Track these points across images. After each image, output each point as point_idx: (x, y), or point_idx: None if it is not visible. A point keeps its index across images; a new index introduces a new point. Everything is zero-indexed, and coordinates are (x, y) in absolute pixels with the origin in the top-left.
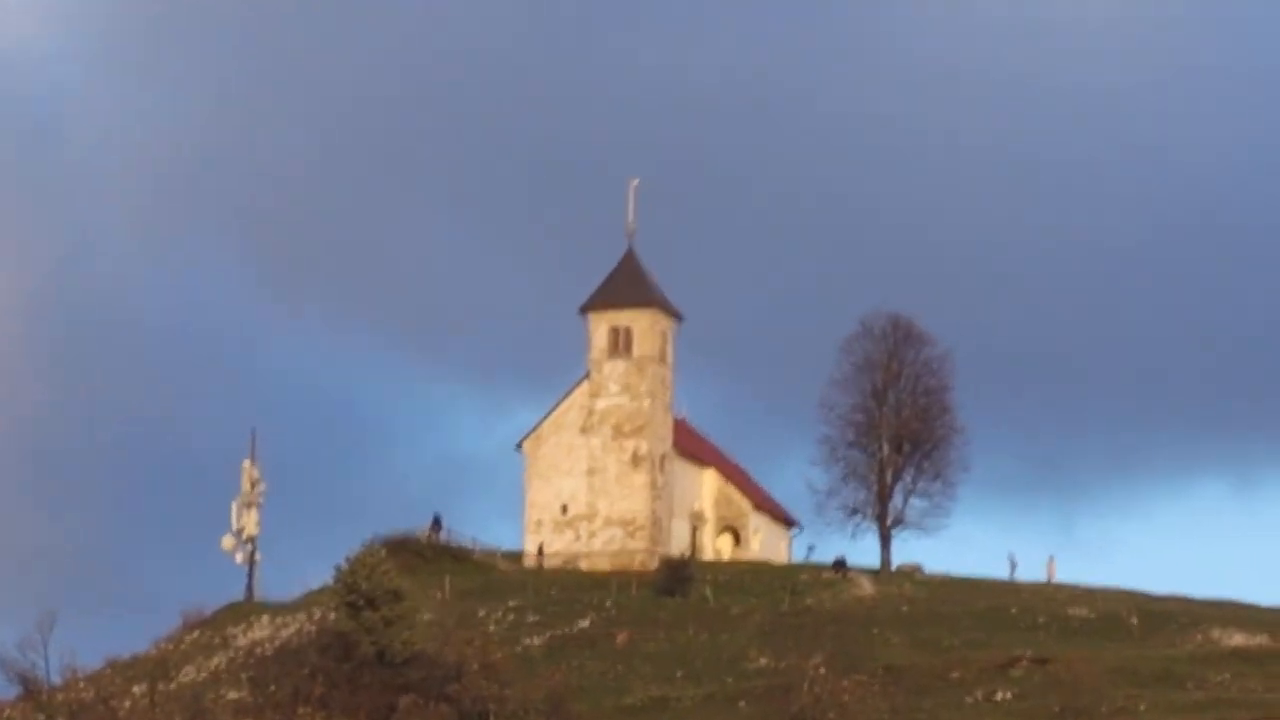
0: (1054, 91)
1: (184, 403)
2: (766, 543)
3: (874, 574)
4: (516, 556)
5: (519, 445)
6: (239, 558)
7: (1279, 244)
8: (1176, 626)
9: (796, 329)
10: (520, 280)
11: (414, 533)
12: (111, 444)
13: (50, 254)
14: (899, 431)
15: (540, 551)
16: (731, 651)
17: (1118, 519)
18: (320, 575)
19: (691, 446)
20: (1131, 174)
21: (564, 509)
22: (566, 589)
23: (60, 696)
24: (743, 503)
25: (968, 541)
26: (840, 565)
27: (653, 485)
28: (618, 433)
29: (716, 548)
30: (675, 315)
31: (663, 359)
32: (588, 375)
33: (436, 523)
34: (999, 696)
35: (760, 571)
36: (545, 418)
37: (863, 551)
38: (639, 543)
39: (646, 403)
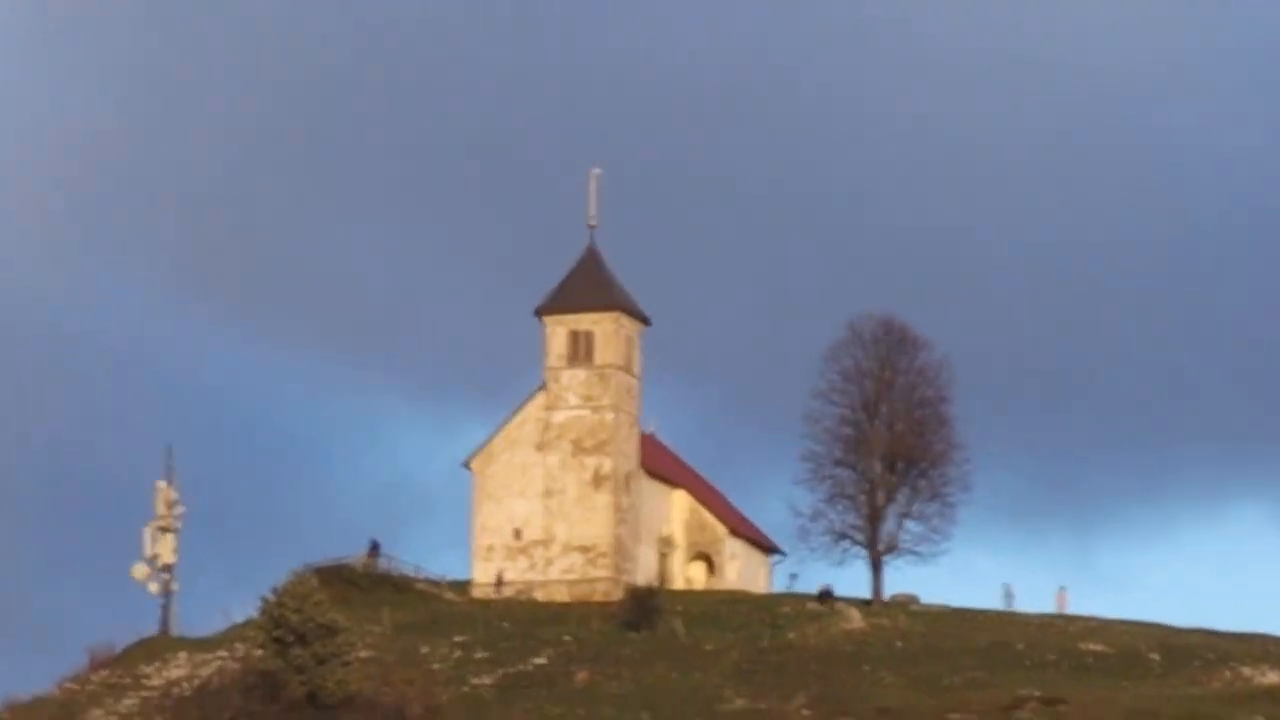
0: (1064, 73)
1: (91, 418)
2: (744, 571)
3: (864, 605)
4: (464, 586)
5: (467, 463)
6: (153, 588)
7: None
8: (1202, 663)
9: (777, 334)
10: (468, 281)
11: (349, 560)
12: (10, 463)
13: None
14: (892, 447)
15: (499, 581)
16: (705, 692)
17: (1138, 545)
18: (244, 607)
19: (660, 464)
20: (1154, 161)
21: (517, 534)
22: (520, 622)
23: None
24: (717, 527)
25: (968, 570)
26: (826, 596)
27: (617, 507)
28: (578, 449)
29: (688, 577)
30: (642, 319)
31: (628, 367)
32: (544, 386)
33: (374, 549)
34: None
35: (737, 603)
36: (496, 433)
37: (851, 581)
38: (601, 571)
39: (610, 416)
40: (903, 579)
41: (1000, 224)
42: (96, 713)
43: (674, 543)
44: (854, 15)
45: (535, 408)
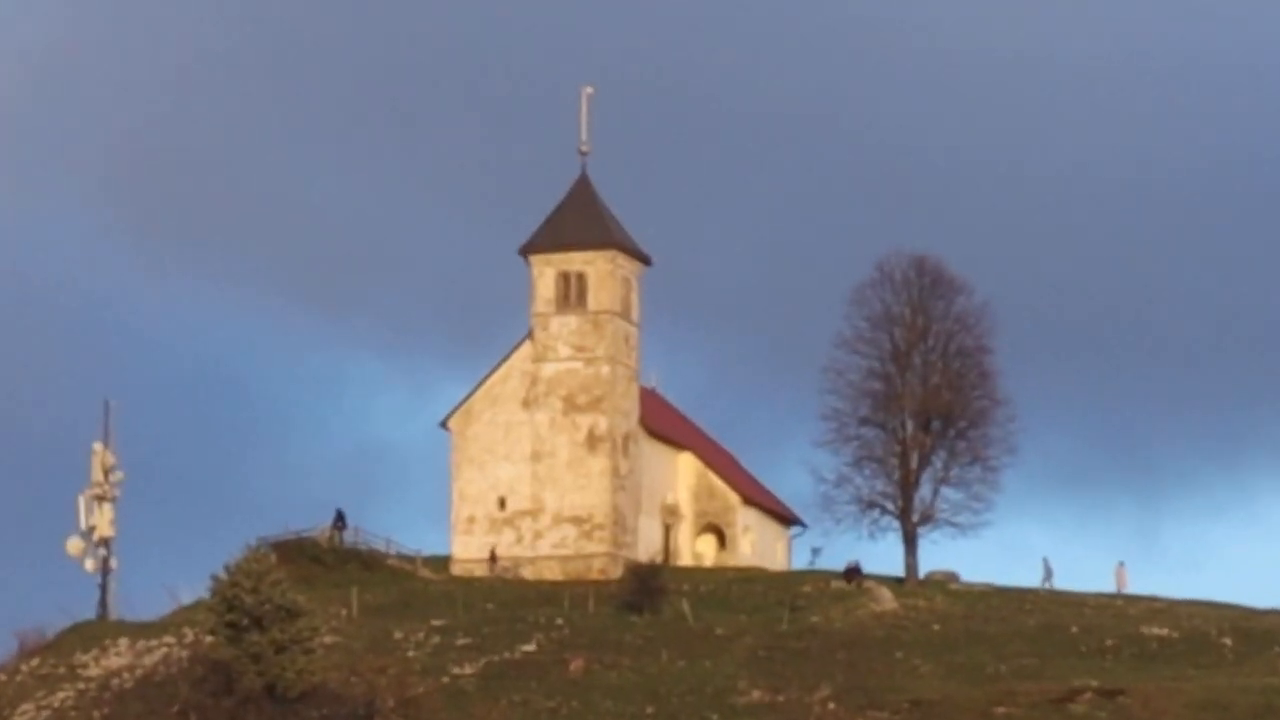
0: None
1: (21, 373)
2: (759, 545)
3: (896, 584)
4: (443, 563)
5: (444, 423)
6: (89, 565)
7: None
8: None
9: (796, 275)
10: (444, 217)
11: (312, 533)
12: None
13: None
14: (926, 404)
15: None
16: (716, 683)
17: (1209, 517)
18: (193, 587)
19: (663, 424)
20: (1225, 81)
21: (502, 503)
22: (506, 604)
23: None
24: (729, 494)
25: (1014, 544)
26: (853, 573)
27: (614, 472)
28: (569, 407)
29: (696, 551)
30: (641, 258)
31: (626, 313)
32: (530, 334)
33: (340, 520)
34: None
35: (752, 581)
36: (477, 389)
37: (882, 556)
38: (597, 545)
39: (605, 369)
40: (940, 554)
41: (1052, 151)
42: (26, 707)
43: (680, 513)
44: None
45: (521, 360)
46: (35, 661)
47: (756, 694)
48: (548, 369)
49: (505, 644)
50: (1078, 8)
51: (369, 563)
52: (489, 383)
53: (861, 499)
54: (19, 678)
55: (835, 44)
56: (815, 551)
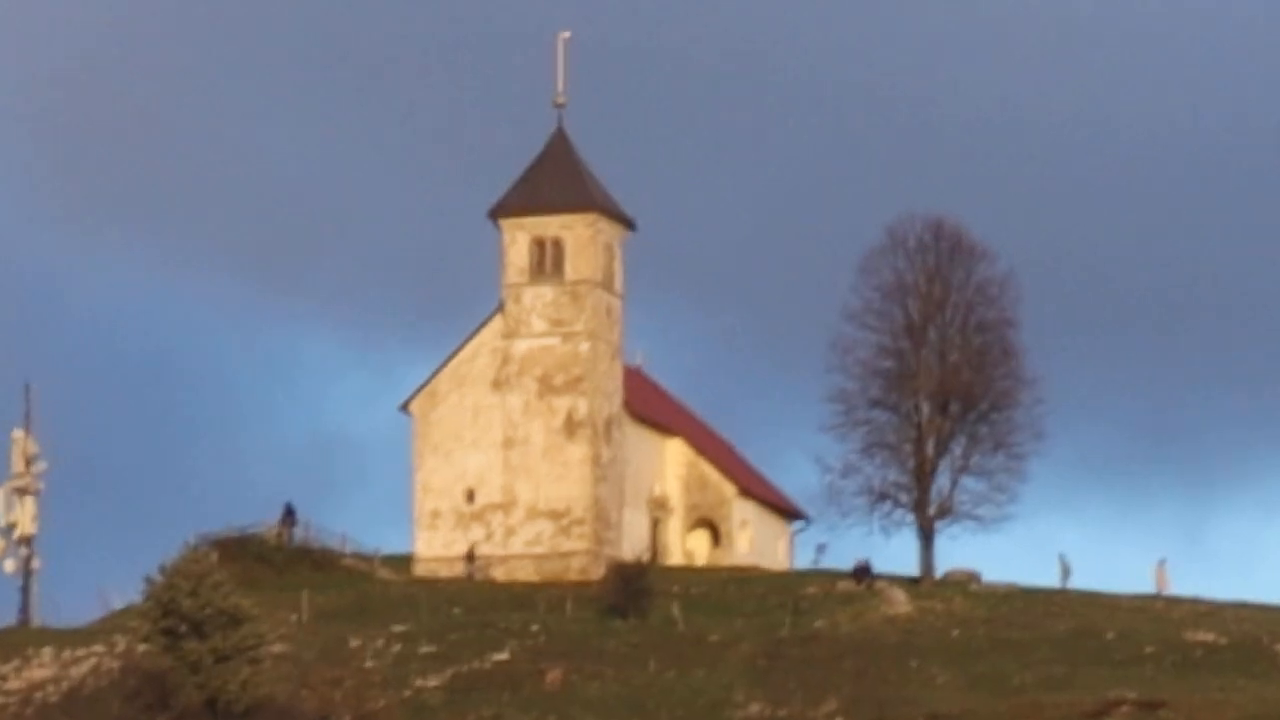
0: None
1: None
2: (758, 542)
3: (911, 585)
4: (404, 562)
5: (405, 407)
6: (8, 566)
7: None
8: None
9: (798, 241)
10: (405, 177)
11: (258, 530)
12: None
13: None
14: (944, 384)
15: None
16: (709, 695)
17: (1262, 512)
18: (125, 591)
19: (650, 407)
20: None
21: (470, 495)
22: (475, 608)
23: None
24: (723, 485)
25: (1042, 540)
26: (863, 573)
27: (595, 461)
28: (545, 388)
29: (687, 549)
30: (625, 222)
31: (608, 284)
32: (501, 307)
33: (289, 516)
34: None
35: (749, 582)
36: (441, 368)
37: (895, 554)
38: (577, 542)
39: (585, 345)
40: (959, 551)
41: (1086, 106)
42: None
43: (669, 506)
44: None
45: (490, 335)
46: None
47: (755, 707)
48: (520, 346)
49: (474, 653)
50: None
51: (322, 563)
52: (455, 361)
53: (872, 490)
54: None
55: None
56: (820, 549)
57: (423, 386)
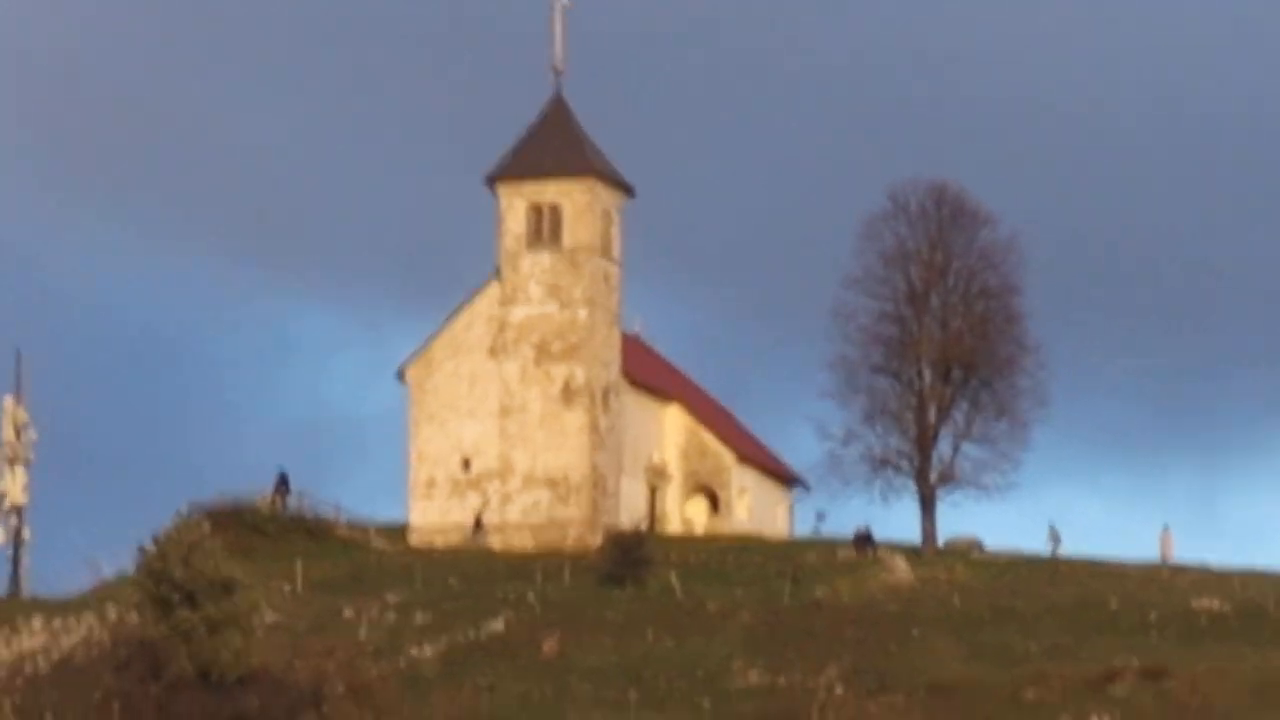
0: None
1: None
2: (757, 509)
3: (913, 553)
4: (398, 532)
5: (400, 374)
6: None
7: None
8: None
9: (797, 206)
10: (398, 142)
11: (251, 499)
12: None
13: None
14: (946, 350)
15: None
16: (709, 664)
17: (1268, 478)
18: (116, 560)
19: (649, 374)
20: None
21: (466, 464)
22: (470, 577)
23: None
24: (722, 453)
25: (1045, 507)
26: (864, 541)
27: (593, 429)
28: (542, 355)
29: (685, 517)
30: (623, 188)
31: (606, 251)
32: (497, 274)
33: (283, 483)
34: None
35: (749, 550)
36: (437, 335)
37: (896, 522)
38: (574, 510)
39: (583, 312)
40: (962, 519)
41: (1091, 68)
42: None
43: (667, 474)
44: None
45: (487, 303)
46: None
47: (754, 676)
48: (517, 313)
49: (469, 623)
50: None
51: (315, 532)
52: (451, 329)
53: (873, 457)
54: None
55: None
56: (820, 516)
57: (418, 354)
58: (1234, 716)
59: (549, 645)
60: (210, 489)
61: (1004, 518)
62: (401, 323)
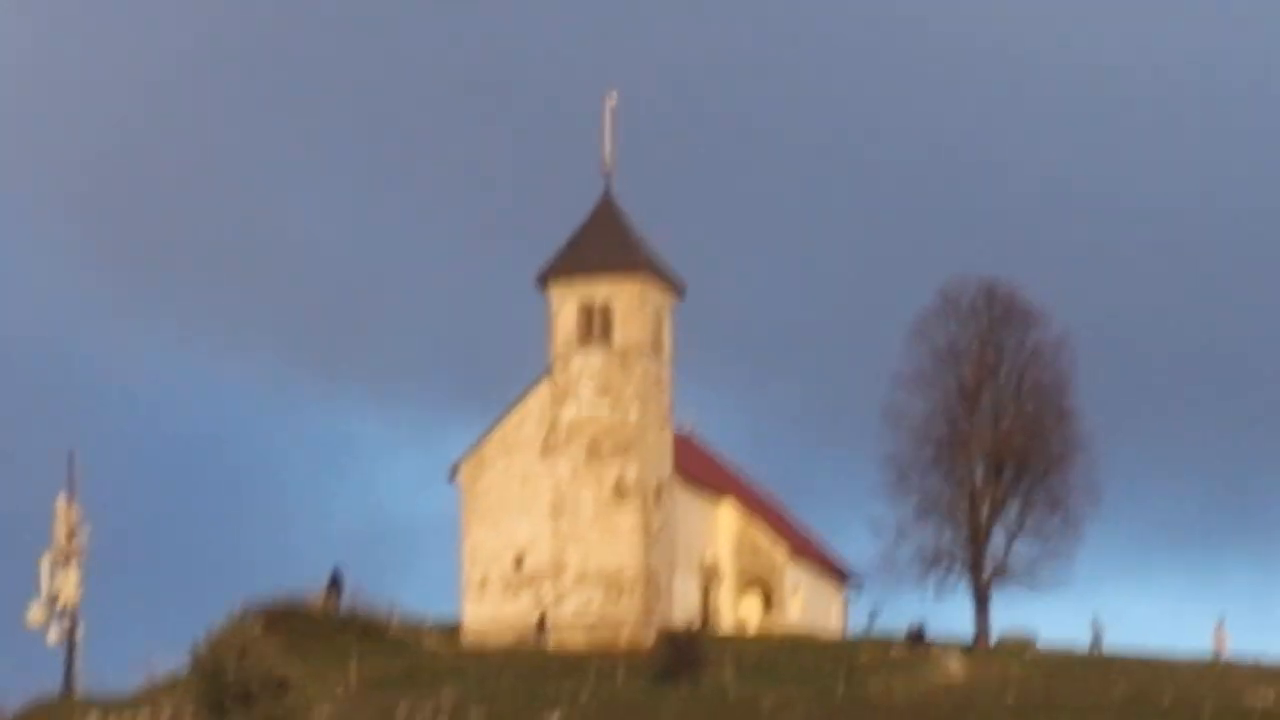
0: None
1: None
2: (811, 606)
3: (966, 650)
4: (452, 631)
5: (452, 474)
6: (52, 635)
7: None
8: None
9: (849, 305)
10: (449, 244)
11: (305, 598)
12: None
13: None
14: (998, 448)
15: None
16: None
17: None
18: (170, 659)
19: (701, 472)
20: None
21: (518, 562)
22: (524, 676)
23: None
24: (775, 550)
25: (1098, 602)
26: (918, 637)
27: (646, 528)
28: (594, 454)
29: (739, 614)
30: (675, 287)
31: (657, 349)
32: (549, 373)
33: (336, 582)
34: None
35: (802, 648)
36: (489, 434)
37: (950, 618)
38: (627, 608)
39: (634, 411)
40: (1016, 615)
41: (1142, 168)
42: None
43: (720, 572)
44: None
45: (538, 402)
46: None
47: None
48: (569, 412)
49: None
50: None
51: (369, 631)
52: (502, 428)
53: (926, 554)
54: None
55: (889, 45)
56: (874, 614)
57: (470, 453)
58: None
59: None
60: (260, 584)
61: (1058, 613)
62: (455, 423)
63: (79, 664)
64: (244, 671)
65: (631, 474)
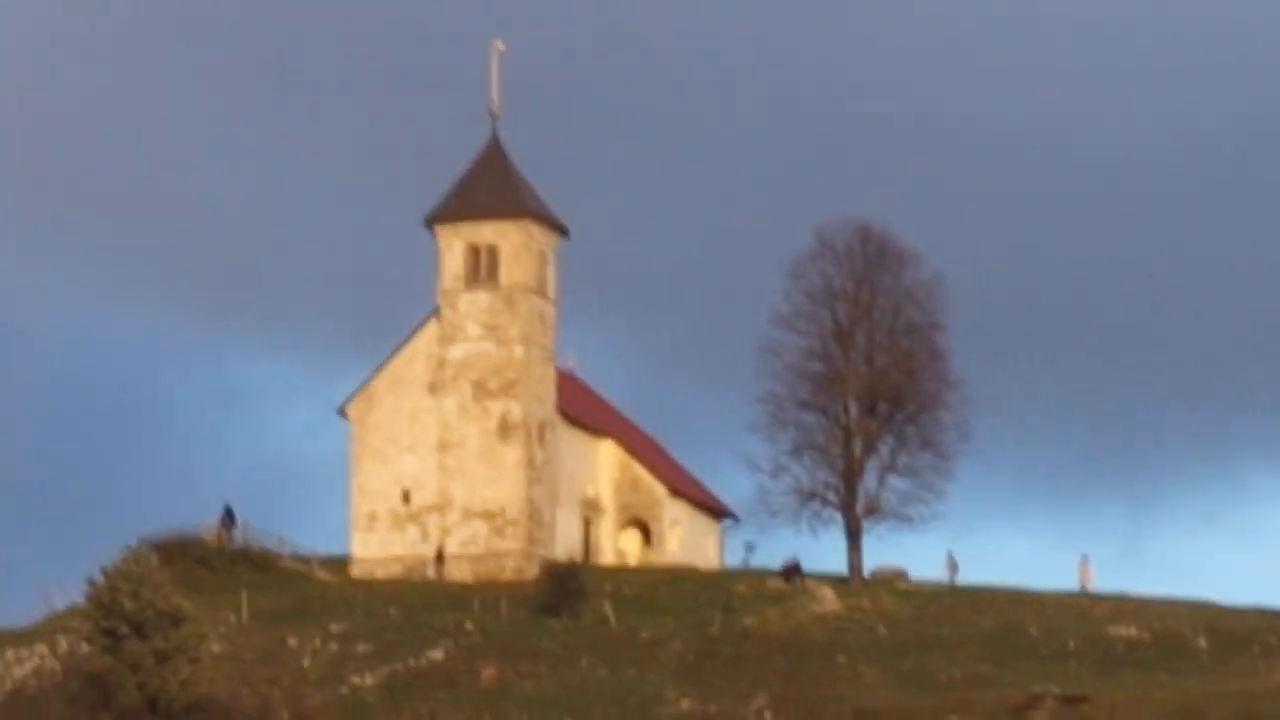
0: None
1: None
2: (689, 541)
3: (839, 583)
4: (341, 564)
5: (341, 410)
6: None
7: None
8: (1261, 650)
9: (726, 247)
10: (339, 187)
11: (198, 532)
12: None
13: None
14: (872, 386)
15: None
16: (641, 692)
17: (1187, 511)
18: (67, 592)
19: (583, 410)
20: (1220, 63)
21: (406, 497)
22: (410, 608)
23: None
24: (655, 486)
25: (968, 537)
26: (792, 571)
27: (529, 463)
28: (480, 392)
29: (619, 549)
30: (559, 229)
31: (542, 290)
32: (437, 313)
33: (229, 516)
34: None
35: (681, 581)
36: (378, 373)
37: (823, 553)
38: (511, 542)
39: (519, 350)
40: (887, 550)
41: (1012, 116)
42: None
43: (601, 507)
44: None
45: (426, 341)
46: None
47: (686, 704)
48: (456, 351)
49: (410, 652)
50: None
51: (260, 564)
52: (391, 366)
53: (800, 490)
54: None
55: None
56: (749, 548)
57: (359, 391)
58: None
59: (487, 674)
60: (155, 519)
61: (929, 550)
62: (345, 362)
63: None
64: (139, 605)
65: (516, 412)
